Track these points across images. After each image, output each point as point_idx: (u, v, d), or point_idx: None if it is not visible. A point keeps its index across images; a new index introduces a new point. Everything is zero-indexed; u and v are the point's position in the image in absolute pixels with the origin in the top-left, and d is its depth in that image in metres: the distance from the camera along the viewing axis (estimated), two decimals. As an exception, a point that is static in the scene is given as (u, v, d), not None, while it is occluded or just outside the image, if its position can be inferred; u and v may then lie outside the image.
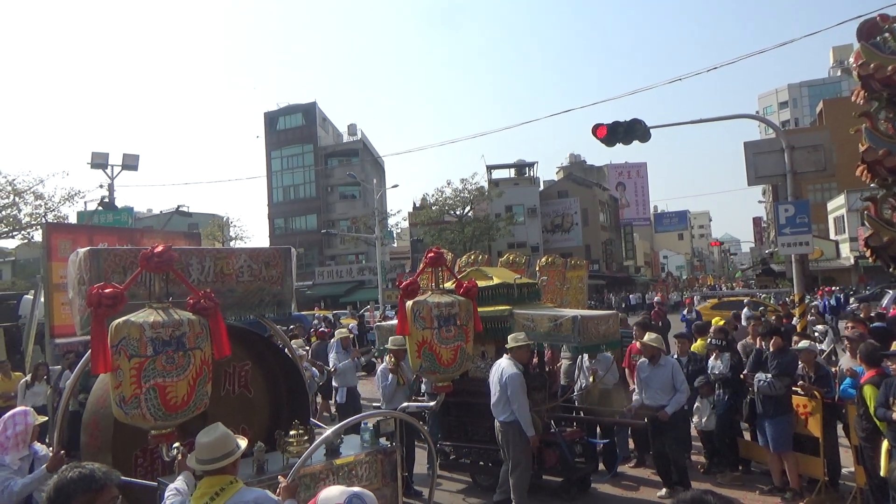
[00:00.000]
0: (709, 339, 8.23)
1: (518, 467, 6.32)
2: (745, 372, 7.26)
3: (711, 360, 7.86)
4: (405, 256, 51.93)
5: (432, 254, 5.10)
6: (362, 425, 4.76)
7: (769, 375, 6.71)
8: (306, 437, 4.27)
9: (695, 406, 7.77)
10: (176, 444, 3.71)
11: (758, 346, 7.88)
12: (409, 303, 4.79)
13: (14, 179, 29.09)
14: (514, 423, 6.24)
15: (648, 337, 7.27)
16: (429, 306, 4.77)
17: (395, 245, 54.30)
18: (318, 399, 10.50)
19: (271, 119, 51.00)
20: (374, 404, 8.43)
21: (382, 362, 8.29)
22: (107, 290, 3.43)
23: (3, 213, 29.45)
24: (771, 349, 6.99)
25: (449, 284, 5.86)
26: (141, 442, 3.94)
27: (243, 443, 3.22)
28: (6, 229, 30.23)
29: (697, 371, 7.90)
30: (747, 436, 7.80)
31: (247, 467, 3.97)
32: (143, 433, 3.75)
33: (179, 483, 3.35)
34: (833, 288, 28.48)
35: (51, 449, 4.54)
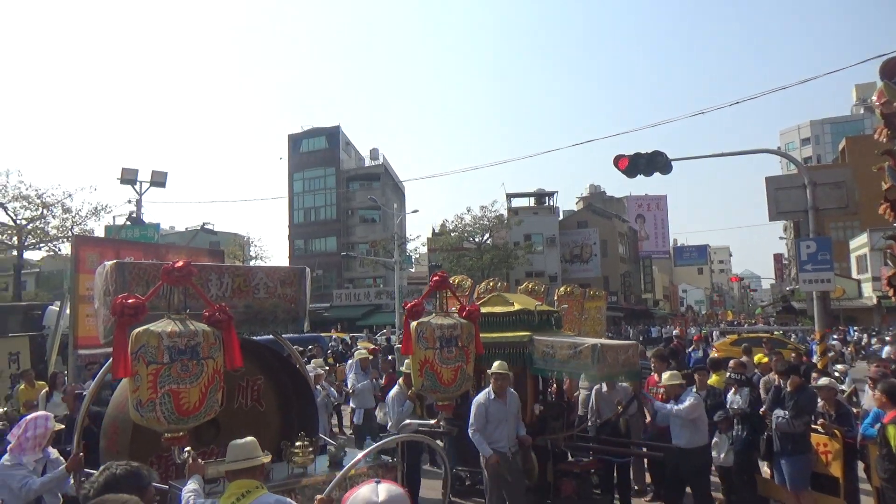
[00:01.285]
0: (728, 374, 8.18)
1: (489, 490, 6.43)
2: (763, 408, 7.21)
3: (730, 395, 7.80)
4: (423, 282, 51.97)
5: (437, 277, 5.33)
6: (366, 440, 4.89)
7: (787, 412, 6.65)
8: (311, 449, 4.45)
9: (713, 441, 7.70)
10: (187, 448, 3.85)
11: (777, 382, 7.83)
12: (414, 323, 4.97)
13: (43, 193, 29.79)
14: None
15: (667, 377, 7.19)
16: (432, 327, 4.95)
17: (414, 270, 54.46)
18: (335, 419, 10.56)
19: (295, 141, 51.76)
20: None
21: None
22: (130, 301, 3.67)
23: (31, 225, 30.10)
24: (789, 388, 6.94)
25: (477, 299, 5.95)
26: (156, 448, 4.13)
27: (267, 458, 3.48)
28: (34, 241, 30.85)
29: (716, 406, 7.83)
30: (765, 472, 7.70)
31: None
32: (159, 439, 3.94)
33: (194, 485, 3.54)
34: (842, 328, 28.04)
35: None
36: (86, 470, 4.44)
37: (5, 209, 29.27)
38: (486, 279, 17.64)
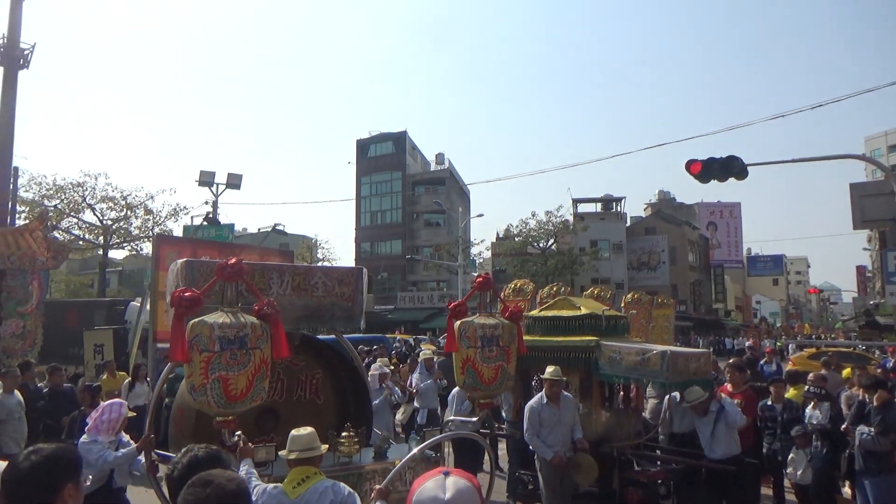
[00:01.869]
0: (807, 388, 7.81)
1: (544, 494, 6.63)
2: (846, 424, 6.84)
3: (809, 410, 7.45)
4: (486, 286, 51.95)
5: (481, 278, 5.43)
6: (411, 435, 5.11)
7: (872, 429, 6.30)
8: (357, 440, 4.71)
9: (789, 457, 7.38)
10: (238, 432, 4.10)
11: (861, 397, 7.42)
12: (457, 323, 5.09)
13: (127, 195, 31.41)
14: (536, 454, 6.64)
15: (689, 395, 6.83)
16: (474, 327, 5.07)
17: (476, 274, 54.44)
18: (398, 417, 10.62)
19: (363, 146, 52.75)
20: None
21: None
22: (186, 294, 3.96)
23: (116, 225, 31.76)
24: (875, 403, 6.57)
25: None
26: (219, 433, 4.36)
27: (324, 449, 3.76)
28: (118, 241, 32.55)
29: (793, 420, 7.51)
30: (846, 493, 7.30)
31: None
32: (234, 427, 4.21)
33: (248, 466, 3.86)
34: None
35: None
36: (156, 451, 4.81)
37: (93, 210, 31.03)
38: (550, 284, 17.50)
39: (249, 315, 4.11)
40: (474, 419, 6.16)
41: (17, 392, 8.06)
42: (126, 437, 5.27)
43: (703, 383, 7.02)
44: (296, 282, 5.14)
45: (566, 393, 7.04)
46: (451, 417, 7.10)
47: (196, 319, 3.93)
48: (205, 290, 4.13)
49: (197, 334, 3.86)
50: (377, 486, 3.86)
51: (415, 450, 4.57)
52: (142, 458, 4.86)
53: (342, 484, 3.55)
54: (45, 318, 14.20)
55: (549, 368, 6.82)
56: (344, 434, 4.74)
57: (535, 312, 8.19)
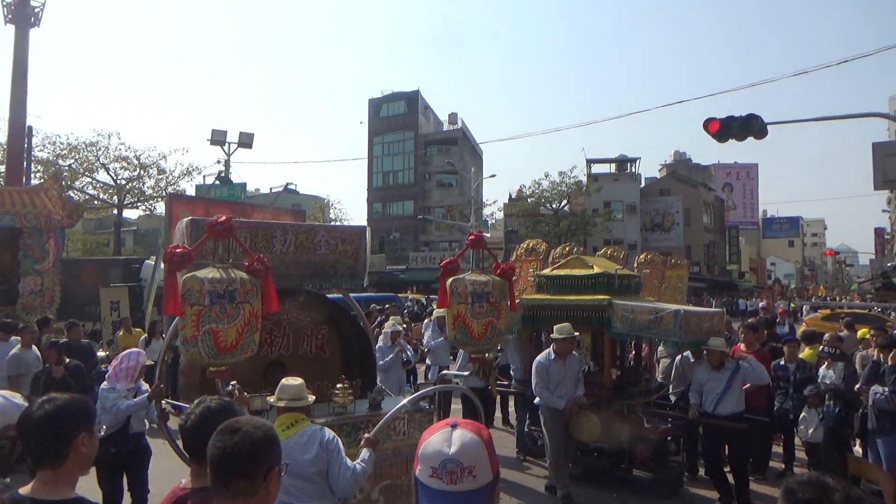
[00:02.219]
0: (821, 348, 7.77)
1: (549, 446, 6.89)
2: (860, 384, 6.81)
3: (823, 370, 7.42)
4: (498, 246, 51.87)
5: (473, 236, 5.54)
6: (406, 388, 5.30)
7: (886, 389, 6.25)
8: (350, 391, 4.89)
9: (801, 416, 7.38)
10: (233, 382, 4.29)
11: (875, 357, 7.37)
12: (449, 280, 5.19)
13: (140, 154, 31.45)
14: (542, 406, 6.91)
15: (712, 342, 6.84)
16: (465, 283, 5.16)
17: (489, 235, 54.34)
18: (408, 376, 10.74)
19: (375, 105, 52.20)
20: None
21: None
22: (178, 250, 4.13)
23: (130, 185, 31.90)
24: (890, 362, 6.51)
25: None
26: (246, 381, 4.59)
27: (312, 397, 3.94)
28: (132, 200, 32.73)
29: (806, 380, 7.49)
30: (857, 451, 7.31)
31: None
32: (241, 373, 4.49)
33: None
34: None
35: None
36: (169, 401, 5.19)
37: (107, 170, 31.13)
38: (563, 244, 17.39)
39: (239, 271, 4.23)
40: (467, 373, 6.31)
41: (34, 347, 8.20)
42: (145, 386, 5.52)
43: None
44: (299, 240, 5.26)
45: (574, 352, 7.14)
46: (445, 372, 7.29)
47: (188, 275, 4.07)
48: (196, 247, 4.28)
49: (188, 289, 4.00)
50: (366, 435, 4.03)
51: (403, 401, 4.69)
52: (154, 407, 5.09)
53: (327, 429, 3.72)
54: (63, 276, 14.39)
55: (558, 326, 6.92)
56: (339, 385, 4.92)
57: (547, 271, 8.17)
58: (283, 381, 3.87)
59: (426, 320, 10.94)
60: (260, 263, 4.29)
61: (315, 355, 5.71)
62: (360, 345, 6.04)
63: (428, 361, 9.97)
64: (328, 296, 6.24)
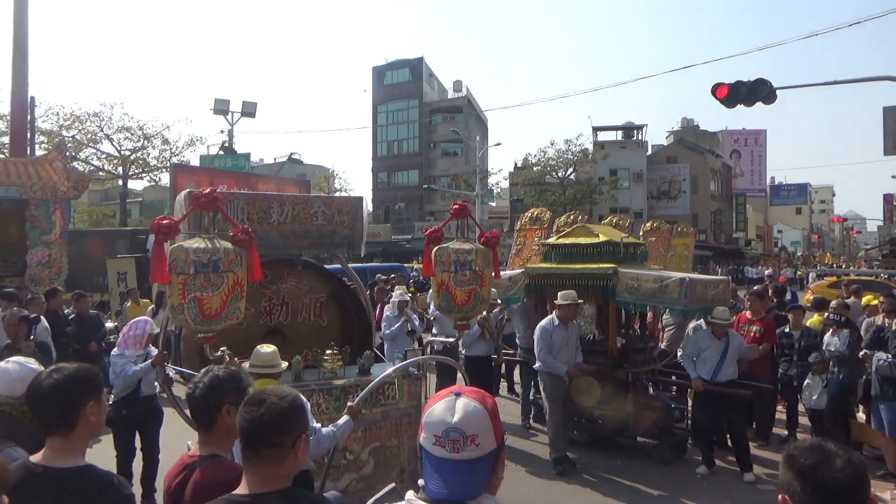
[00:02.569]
0: (827, 315, 7.76)
1: (549, 411, 6.97)
2: (863, 350, 6.82)
3: (827, 336, 7.43)
4: (504, 216, 51.82)
5: (457, 206, 5.57)
6: (395, 353, 5.57)
7: (890, 356, 6.26)
8: (339, 357, 5.05)
9: (805, 383, 7.42)
10: (223, 348, 4.53)
11: (880, 322, 7.37)
12: (434, 248, 5.27)
13: (144, 125, 31.32)
14: (542, 371, 6.99)
15: (717, 312, 6.78)
16: (448, 252, 5.25)
17: (494, 204, 54.24)
18: (416, 345, 10.82)
19: (378, 74, 51.66)
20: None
21: None
22: (164, 222, 4.27)
23: (134, 155, 31.84)
24: (894, 328, 6.52)
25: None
26: (237, 348, 4.70)
27: (284, 364, 4.15)
28: (136, 171, 32.70)
29: (811, 347, 7.51)
30: (861, 417, 7.36)
31: (287, 376, 4.79)
32: (238, 341, 4.72)
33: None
34: None
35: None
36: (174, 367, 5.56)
37: (111, 140, 31.04)
38: (567, 213, 17.31)
39: (225, 241, 4.36)
40: (452, 339, 6.70)
41: (42, 318, 8.27)
42: (154, 351, 5.83)
43: None
44: (296, 211, 5.37)
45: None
46: (431, 338, 7.52)
47: (174, 245, 4.22)
48: (182, 219, 4.44)
49: (175, 258, 4.15)
50: (349, 403, 4.17)
51: (389, 370, 4.78)
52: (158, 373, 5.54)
53: (297, 391, 3.84)
54: (70, 247, 14.45)
55: (562, 293, 6.97)
56: (328, 352, 5.06)
57: (552, 240, 8.15)
58: (257, 348, 4.04)
59: (431, 290, 10.95)
60: (244, 234, 4.42)
61: (313, 323, 5.84)
62: (358, 313, 6.16)
63: (434, 330, 10.02)
64: (330, 266, 6.31)
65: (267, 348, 4.03)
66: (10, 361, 2.72)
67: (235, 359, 4.45)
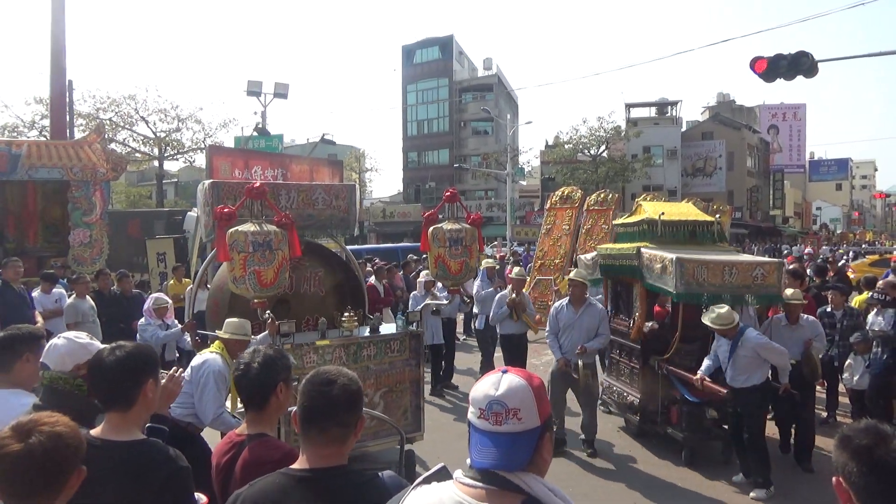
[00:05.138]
0: (871, 294, 7.58)
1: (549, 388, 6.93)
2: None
3: (871, 316, 7.27)
4: (535, 195, 51.47)
5: (449, 193, 6.49)
6: (398, 315, 6.59)
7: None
8: (356, 319, 6.06)
9: (846, 363, 7.28)
10: (268, 311, 5.42)
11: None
12: (431, 228, 6.20)
13: (178, 107, 31.78)
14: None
15: (715, 316, 5.82)
16: (443, 231, 6.18)
17: (525, 183, 53.89)
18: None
19: (408, 52, 51.40)
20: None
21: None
22: (225, 210, 5.19)
23: (169, 137, 32.34)
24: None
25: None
26: (245, 316, 5.33)
27: (254, 337, 5.17)
28: (172, 153, 33.24)
29: (853, 327, 7.36)
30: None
31: (315, 335, 5.91)
32: (247, 311, 5.45)
33: (261, 336, 5.37)
34: None
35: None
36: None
37: (146, 122, 31.58)
38: (598, 191, 17.12)
39: (271, 224, 5.26)
40: (445, 302, 7.76)
41: (88, 297, 8.53)
42: (175, 323, 7.53)
43: (760, 298, 6.37)
44: (301, 197, 6.24)
45: (594, 301, 7.17)
46: (428, 301, 8.35)
47: (234, 229, 5.05)
48: (238, 207, 5.31)
49: (234, 240, 5.01)
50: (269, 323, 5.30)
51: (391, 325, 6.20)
52: (188, 337, 6.65)
53: (215, 364, 4.61)
54: (109, 227, 14.79)
55: (573, 271, 7.25)
56: (345, 314, 6.02)
57: (620, 219, 8.20)
58: (228, 319, 4.97)
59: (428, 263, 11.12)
60: (287, 219, 5.37)
61: (313, 293, 6.70)
62: (351, 285, 7.01)
63: (476, 310, 10.15)
64: (353, 247, 7.12)
65: (237, 319, 4.91)
66: (61, 337, 2.82)
67: (276, 322, 5.34)
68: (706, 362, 6.21)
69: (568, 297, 7.13)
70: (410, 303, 9.60)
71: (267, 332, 5.67)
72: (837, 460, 1.58)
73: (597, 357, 7.31)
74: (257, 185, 5.38)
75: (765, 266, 6.35)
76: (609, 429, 7.51)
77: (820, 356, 6.58)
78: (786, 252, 31.70)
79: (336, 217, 6.50)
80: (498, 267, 11.43)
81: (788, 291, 6.54)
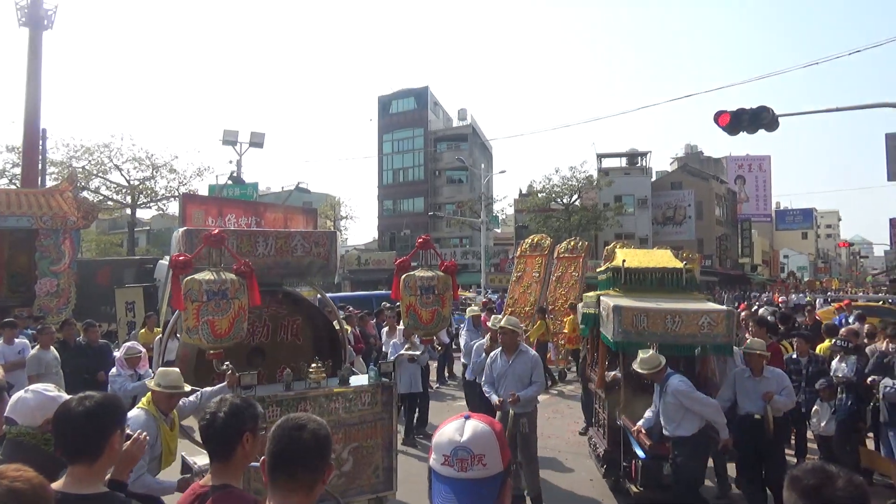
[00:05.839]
0: (834, 341, 7.76)
1: None
2: (870, 377, 6.79)
3: (835, 363, 7.42)
4: (509, 242, 51.87)
5: (421, 239, 6.29)
6: (370, 366, 6.34)
7: (897, 382, 6.25)
8: (323, 369, 5.67)
9: (813, 409, 7.39)
10: (227, 363, 5.23)
11: (883, 348, 7.37)
12: (404, 276, 5.97)
13: (153, 155, 31.72)
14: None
15: (641, 355, 5.76)
16: (415, 279, 5.92)
17: (500, 231, 54.36)
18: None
19: (384, 103, 52.27)
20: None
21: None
22: (180, 258, 5.06)
23: (142, 185, 32.17)
24: (901, 354, 6.52)
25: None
26: (212, 373, 5.46)
27: (188, 388, 4.90)
28: (145, 200, 33.01)
29: (818, 373, 7.49)
30: (871, 445, 7.32)
31: (279, 386, 5.57)
32: (214, 368, 5.38)
33: (215, 388, 5.22)
34: None
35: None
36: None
37: (120, 170, 31.43)
38: (568, 239, 17.33)
39: (230, 273, 5.12)
40: (418, 353, 7.80)
41: (52, 348, 8.34)
42: (142, 371, 7.16)
43: (713, 347, 6.16)
44: (278, 244, 6.07)
45: (526, 347, 6.93)
46: (402, 352, 8.29)
47: (189, 277, 4.93)
48: (195, 254, 5.20)
49: (189, 289, 4.87)
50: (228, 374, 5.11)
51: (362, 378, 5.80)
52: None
53: (141, 417, 4.55)
54: (78, 276, 14.57)
55: (504, 319, 7.05)
56: (313, 365, 5.71)
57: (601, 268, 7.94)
58: (161, 370, 4.85)
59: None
60: (246, 267, 5.24)
61: (290, 342, 6.51)
62: (330, 334, 6.85)
63: (463, 360, 10.09)
64: (333, 295, 6.94)
65: (172, 370, 4.81)
66: (28, 391, 2.77)
67: (235, 374, 5.13)
68: (648, 413, 6.02)
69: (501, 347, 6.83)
70: (390, 351, 9.51)
71: (225, 383, 5.41)
72: (787, 500, 1.64)
73: (537, 406, 6.86)
74: (215, 231, 5.28)
75: (712, 314, 5.96)
76: (582, 478, 7.47)
77: (783, 412, 6.07)
78: (755, 301, 32.22)
79: (316, 264, 6.31)
80: (484, 314, 11.39)
81: (752, 341, 6.36)
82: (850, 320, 11.72)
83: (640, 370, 5.79)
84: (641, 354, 5.80)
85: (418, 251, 6.36)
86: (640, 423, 6.02)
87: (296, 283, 6.64)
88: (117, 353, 7.83)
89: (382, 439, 5.89)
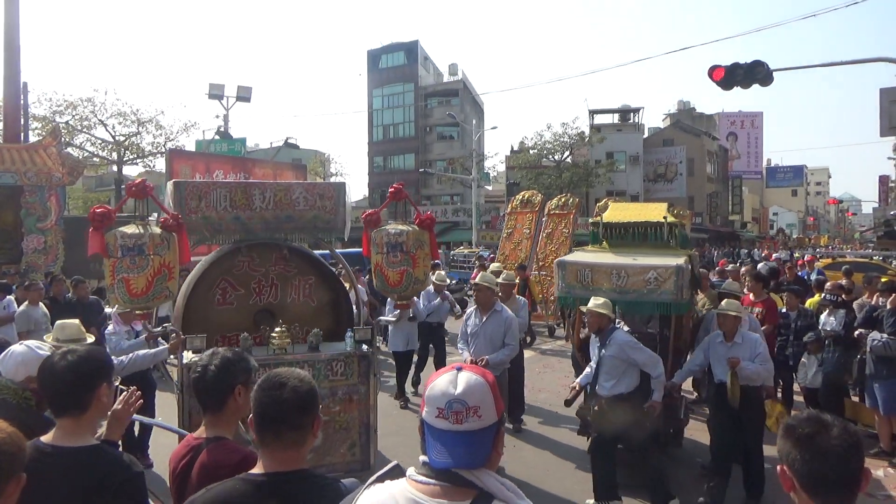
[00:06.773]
0: (823, 295, 7.83)
1: None
2: (857, 330, 6.88)
3: (823, 317, 7.50)
4: (500, 199, 51.74)
5: (394, 189, 5.74)
6: (347, 333, 5.63)
7: (885, 335, 6.33)
8: (287, 334, 5.33)
9: (800, 362, 7.49)
10: (166, 324, 5.32)
11: (873, 302, 7.44)
12: (373, 232, 5.53)
13: (138, 110, 31.11)
14: None
15: (595, 304, 5.31)
16: (381, 234, 5.44)
17: (491, 188, 54.16)
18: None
19: (374, 57, 51.28)
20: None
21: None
22: (98, 210, 4.66)
23: (128, 141, 31.64)
24: (889, 306, 6.57)
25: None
26: (205, 323, 5.32)
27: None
28: (131, 157, 32.51)
29: (807, 327, 7.57)
30: (854, 397, 7.46)
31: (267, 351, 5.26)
32: (209, 316, 5.38)
33: (154, 351, 5.05)
34: None
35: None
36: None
37: (105, 126, 30.83)
38: (559, 196, 17.27)
39: (155, 227, 4.73)
40: (393, 318, 7.42)
41: (41, 304, 8.29)
42: (139, 327, 6.28)
43: (657, 305, 5.66)
44: (277, 197, 5.60)
45: (502, 307, 6.41)
46: (380, 318, 8.20)
47: (110, 231, 4.61)
48: (118, 207, 5.08)
49: (107, 243, 4.58)
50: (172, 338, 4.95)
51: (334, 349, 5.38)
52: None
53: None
54: (66, 233, 14.42)
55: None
56: (276, 329, 5.29)
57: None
58: (59, 322, 4.25)
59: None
60: (175, 220, 4.82)
61: (303, 303, 6.08)
62: (344, 295, 6.36)
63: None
64: (343, 251, 6.60)
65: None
66: (23, 344, 2.74)
67: (181, 335, 4.91)
68: (587, 368, 5.68)
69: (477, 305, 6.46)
70: (386, 309, 9.19)
71: (166, 347, 5.11)
72: (781, 449, 1.64)
73: (506, 371, 6.41)
74: (139, 181, 4.96)
75: (659, 269, 5.44)
76: (570, 431, 7.56)
77: (757, 382, 5.46)
78: (746, 256, 32.49)
79: (321, 219, 5.76)
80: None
81: (726, 302, 5.79)
82: (812, 277, 11.81)
83: (591, 308, 5.29)
84: (595, 300, 5.37)
85: (392, 202, 5.83)
86: (578, 379, 5.80)
87: (300, 240, 6.11)
88: (108, 310, 7.61)
89: (359, 413, 5.41)
